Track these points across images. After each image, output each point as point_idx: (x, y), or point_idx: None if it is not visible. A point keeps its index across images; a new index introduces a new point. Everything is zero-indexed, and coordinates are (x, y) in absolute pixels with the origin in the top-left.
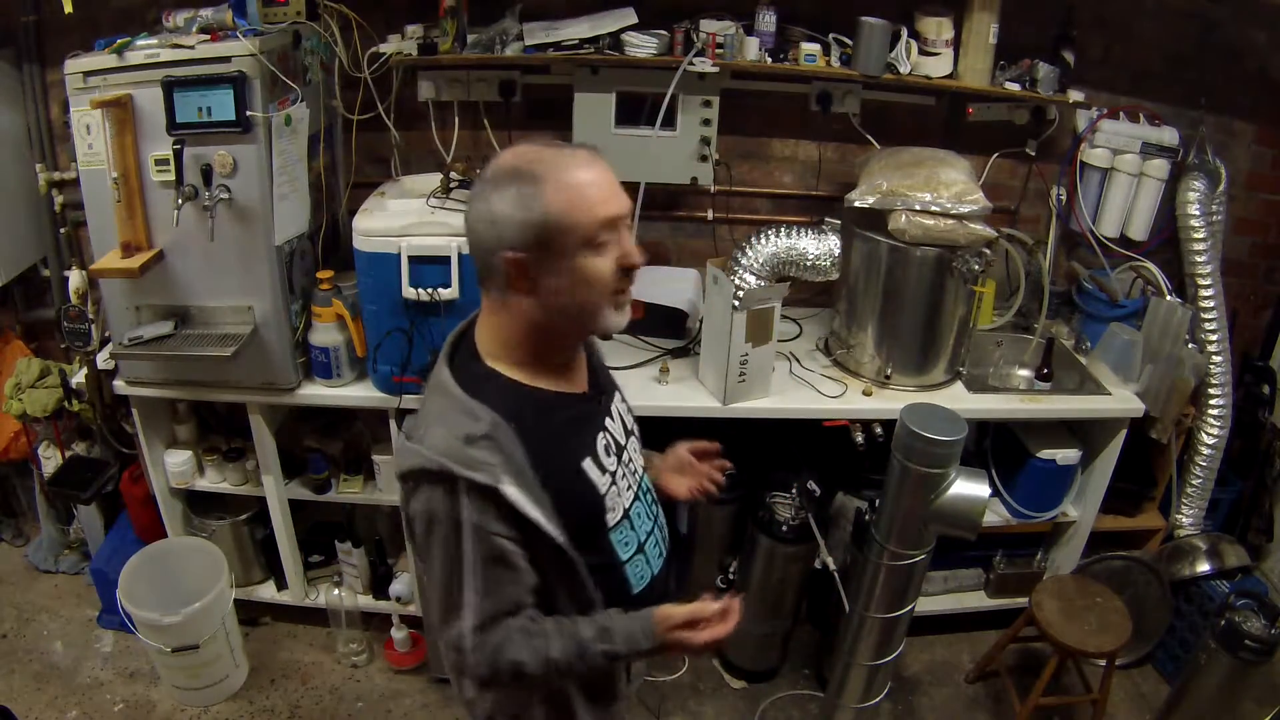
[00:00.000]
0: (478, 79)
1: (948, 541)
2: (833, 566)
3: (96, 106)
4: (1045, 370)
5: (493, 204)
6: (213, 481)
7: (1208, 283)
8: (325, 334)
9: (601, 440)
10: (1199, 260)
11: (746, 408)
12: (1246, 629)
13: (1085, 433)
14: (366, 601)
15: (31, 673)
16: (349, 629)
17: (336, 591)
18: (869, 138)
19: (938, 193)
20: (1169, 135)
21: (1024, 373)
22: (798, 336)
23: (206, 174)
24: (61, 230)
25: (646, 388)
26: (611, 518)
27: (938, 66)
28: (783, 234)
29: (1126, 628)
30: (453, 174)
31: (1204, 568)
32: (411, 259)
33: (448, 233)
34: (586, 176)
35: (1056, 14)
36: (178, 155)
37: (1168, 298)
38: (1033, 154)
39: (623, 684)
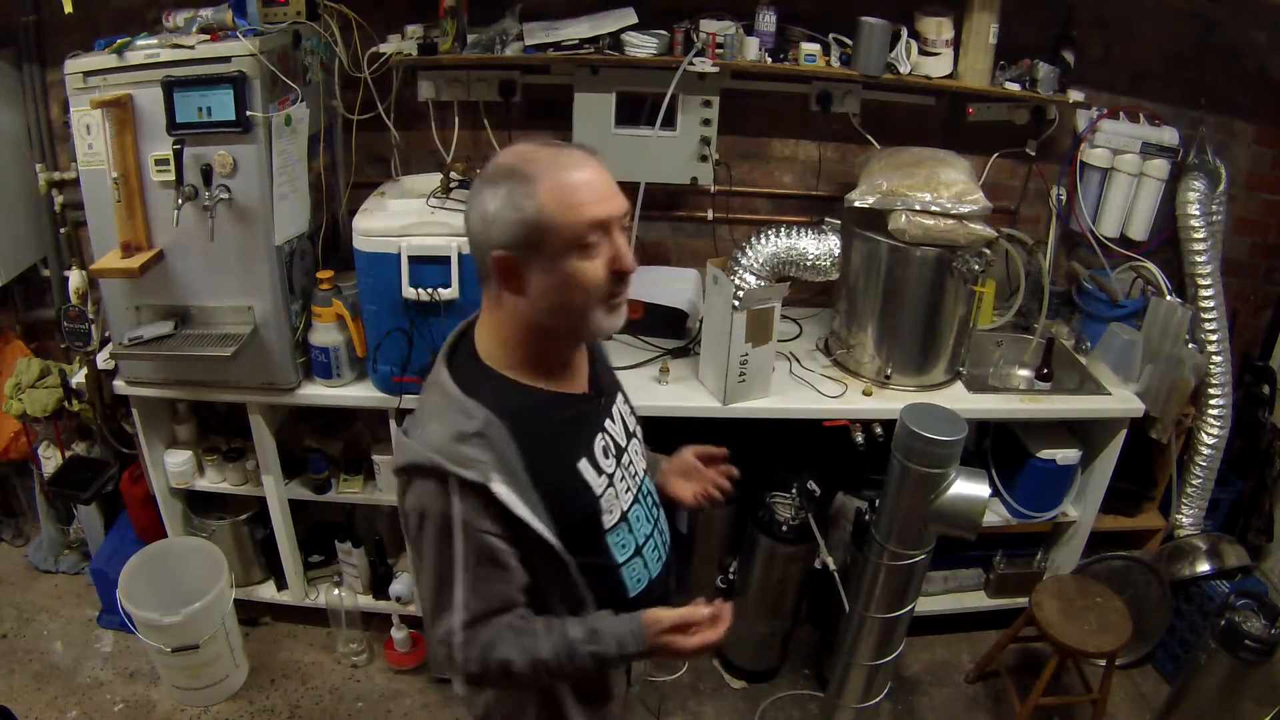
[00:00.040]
0: (478, 79)
1: (948, 541)
2: (833, 566)
3: (96, 106)
4: (1045, 370)
5: (486, 202)
6: (213, 481)
7: (1208, 283)
8: (325, 334)
9: (600, 441)
10: (1199, 260)
11: (746, 408)
12: (1246, 629)
13: (1085, 433)
14: (366, 601)
15: (31, 673)
16: (349, 629)
17: (336, 591)
18: (869, 138)
19: (938, 193)
20: (1169, 135)
21: (1024, 373)
22: (798, 336)
23: (206, 174)
24: (61, 230)
25: (646, 388)
26: (608, 520)
27: (938, 66)
28: (783, 234)
29: (1126, 628)
30: (452, 174)
31: (1204, 568)
32: (411, 259)
33: (448, 233)
34: (579, 177)
35: (1056, 14)
36: (178, 155)
37: (1168, 298)
38: (1033, 154)
39: (619, 685)
